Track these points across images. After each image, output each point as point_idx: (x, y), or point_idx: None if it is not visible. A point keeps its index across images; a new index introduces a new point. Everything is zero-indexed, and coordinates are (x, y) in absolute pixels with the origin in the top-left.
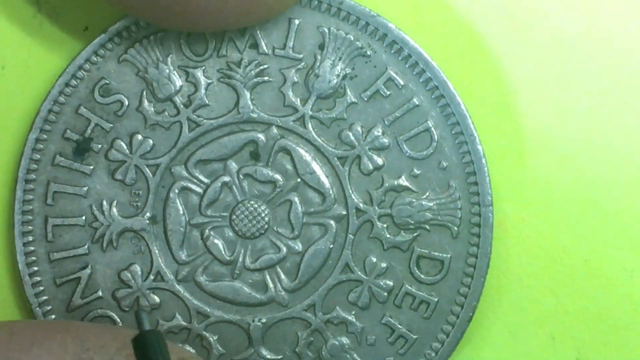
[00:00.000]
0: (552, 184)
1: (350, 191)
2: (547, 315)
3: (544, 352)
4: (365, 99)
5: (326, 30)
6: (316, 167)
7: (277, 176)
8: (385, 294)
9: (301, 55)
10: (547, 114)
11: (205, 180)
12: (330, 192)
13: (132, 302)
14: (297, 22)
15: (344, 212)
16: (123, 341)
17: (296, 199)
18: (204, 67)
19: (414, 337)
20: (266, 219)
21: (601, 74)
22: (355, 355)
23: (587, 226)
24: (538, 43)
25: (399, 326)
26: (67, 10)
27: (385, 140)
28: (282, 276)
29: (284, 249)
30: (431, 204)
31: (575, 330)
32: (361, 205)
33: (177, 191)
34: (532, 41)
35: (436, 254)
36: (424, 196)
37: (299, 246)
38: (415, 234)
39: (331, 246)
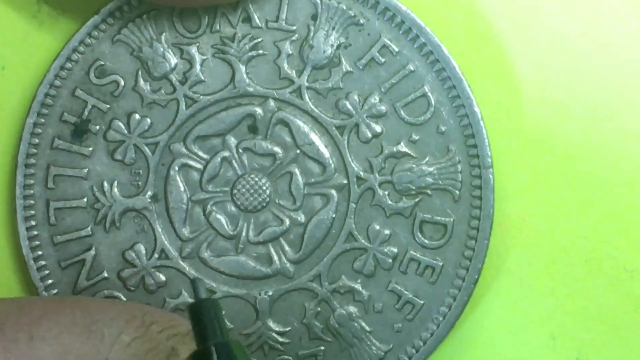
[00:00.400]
0: (552, 184)
1: (350, 160)
2: (547, 315)
3: (544, 352)
4: (361, 68)
5: (318, 0)
6: (315, 137)
7: (276, 149)
8: (390, 260)
9: (294, 27)
10: (547, 114)
11: (205, 156)
12: (330, 162)
13: (137, 281)
14: None
15: (345, 181)
16: (132, 314)
17: (296, 171)
18: (198, 44)
19: (421, 302)
20: (267, 191)
21: (601, 73)
22: (363, 324)
23: (587, 226)
24: (539, 27)
25: (406, 292)
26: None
27: (383, 108)
28: (287, 248)
29: (287, 221)
30: (431, 169)
31: (576, 330)
32: (361, 173)
33: (177, 168)
34: (529, 17)
35: (439, 218)
36: (424, 161)
37: (301, 217)
38: (417, 200)
39: (333, 216)
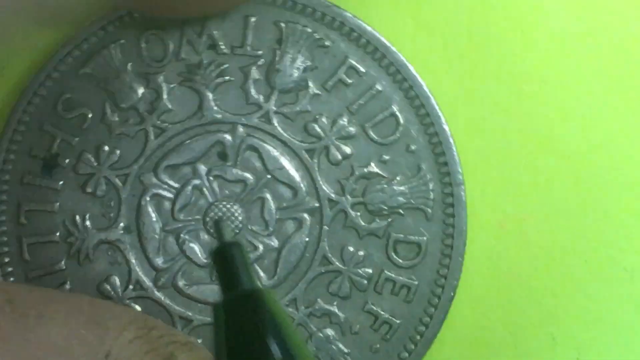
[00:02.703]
0: (552, 184)
1: (321, 182)
2: (547, 316)
3: (544, 352)
4: (328, 89)
5: (283, 24)
6: (285, 162)
7: (247, 174)
8: (365, 281)
9: (260, 52)
10: (547, 114)
11: (176, 185)
12: (301, 185)
13: None
14: (253, 19)
15: (317, 204)
16: (135, 316)
17: (268, 196)
18: (164, 72)
19: (398, 322)
20: (240, 218)
21: (602, 73)
22: (340, 346)
23: (587, 226)
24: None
25: (382, 312)
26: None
27: (352, 129)
28: (261, 274)
29: (261, 247)
30: (403, 188)
31: (576, 331)
32: (333, 195)
33: (148, 199)
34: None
35: (412, 237)
36: (395, 181)
37: (274, 242)
38: (390, 220)
39: (307, 239)
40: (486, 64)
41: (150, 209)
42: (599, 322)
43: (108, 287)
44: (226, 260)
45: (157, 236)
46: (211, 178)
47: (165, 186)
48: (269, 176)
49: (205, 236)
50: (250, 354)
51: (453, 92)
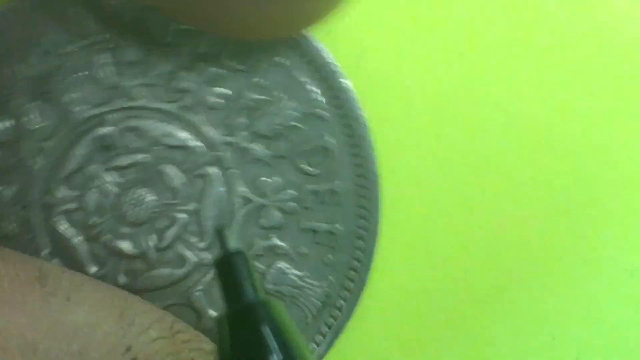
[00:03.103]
0: (552, 184)
1: (209, 131)
2: (547, 316)
3: (544, 352)
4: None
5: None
6: (167, 127)
7: (138, 155)
8: (292, 203)
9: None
10: (547, 113)
11: (77, 194)
12: (192, 142)
13: None
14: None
15: (215, 153)
16: (163, 317)
17: (166, 166)
18: (14, 99)
19: (338, 227)
20: (151, 198)
21: (602, 73)
22: (295, 272)
23: (587, 227)
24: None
25: (319, 225)
26: None
27: (220, 70)
28: (192, 240)
29: (181, 215)
30: (291, 104)
31: (576, 331)
32: (226, 138)
33: (57, 218)
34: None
35: (315, 143)
36: (278, 99)
37: (192, 205)
38: (288, 136)
39: (221, 189)
40: (486, 63)
41: (64, 227)
42: (599, 322)
43: None
44: (229, 270)
45: (83, 247)
46: (107, 173)
47: (68, 199)
48: (158, 147)
49: (127, 229)
50: None
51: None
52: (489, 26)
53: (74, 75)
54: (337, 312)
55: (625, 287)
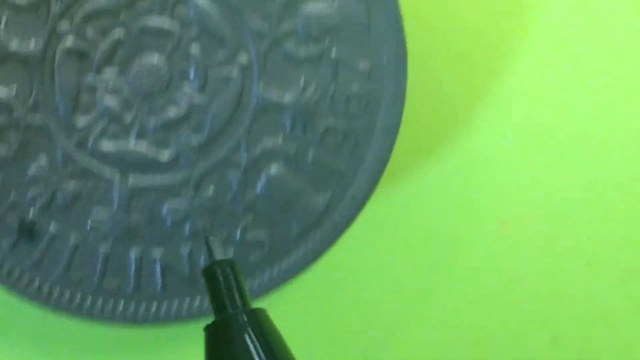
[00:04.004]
0: (552, 184)
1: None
2: (549, 316)
3: (546, 352)
4: None
5: None
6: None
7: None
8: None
9: None
10: (547, 113)
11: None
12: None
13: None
14: None
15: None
16: None
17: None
18: None
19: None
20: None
21: (601, 72)
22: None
23: (588, 227)
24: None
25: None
26: None
27: None
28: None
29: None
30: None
31: (577, 331)
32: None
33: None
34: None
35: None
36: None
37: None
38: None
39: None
40: (487, 62)
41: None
42: (600, 322)
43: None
44: (217, 280)
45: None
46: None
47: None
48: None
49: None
50: None
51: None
52: None
53: None
54: None
55: (626, 288)
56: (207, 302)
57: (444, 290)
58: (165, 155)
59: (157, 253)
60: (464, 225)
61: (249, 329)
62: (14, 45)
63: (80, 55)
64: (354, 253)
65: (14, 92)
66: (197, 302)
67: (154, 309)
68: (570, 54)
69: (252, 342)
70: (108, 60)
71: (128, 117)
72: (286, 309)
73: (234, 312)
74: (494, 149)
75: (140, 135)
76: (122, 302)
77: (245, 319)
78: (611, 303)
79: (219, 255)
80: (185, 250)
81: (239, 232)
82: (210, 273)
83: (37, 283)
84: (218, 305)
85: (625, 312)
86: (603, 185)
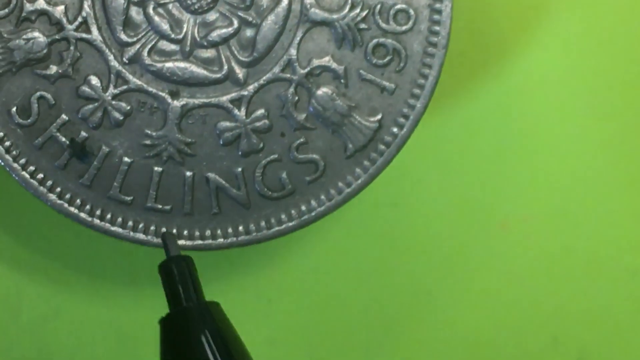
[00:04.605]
0: (552, 184)
1: None
2: (549, 316)
3: (546, 352)
4: None
5: None
6: None
7: None
8: (365, 12)
9: None
10: (547, 113)
11: None
12: None
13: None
14: None
15: None
16: None
17: None
18: None
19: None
20: None
21: (602, 72)
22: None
23: (588, 227)
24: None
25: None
26: None
27: None
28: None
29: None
30: None
31: (577, 331)
32: None
33: None
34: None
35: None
36: None
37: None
38: None
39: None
40: (486, 62)
41: None
42: (600, 323)
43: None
44: (172, 275)
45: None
46: None
47: None
48: None
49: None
50: None
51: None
52: None
53: None
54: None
55: (626, 288)
56: (263, 226)
57: (444, 290)
58: (216, 73)
59: (210, 174)
60: (464, 226)
61: (203, 322)
62: None
63: None
64: (352, 253)
65: (64, 8)
66: (253, 227)
67: (208, 232)
68: (571, 53)
69: (205, 334)
70: None
71: (178, 34)
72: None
73: (188, 305)
74: (494, 148)
75: (191, 52)
76: (175, 226)
77: (200, 312)
78: (611, 303)
79: (174, 251)
80: (238, 171)
81: (291, 151)
82: (166, 268)
83: (89, 205)
84: (174, 299)
85: (625, 312)
86: (603, 185)
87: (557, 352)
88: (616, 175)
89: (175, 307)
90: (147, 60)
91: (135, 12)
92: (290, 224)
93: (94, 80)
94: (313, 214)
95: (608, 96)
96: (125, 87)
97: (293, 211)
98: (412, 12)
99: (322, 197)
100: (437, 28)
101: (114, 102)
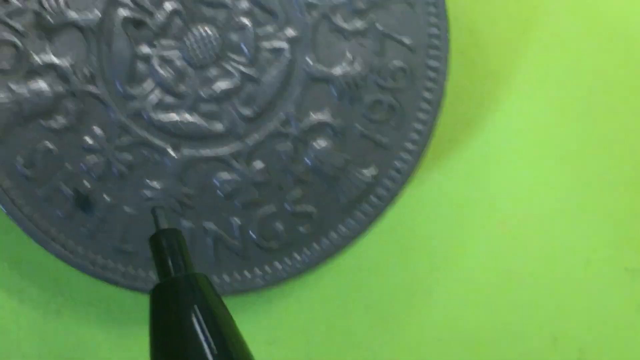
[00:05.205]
0: (552, 183)
1: None
2: (548, 316)
3: (545, 352)
4: None
5: None
6: None
7: None
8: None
9: None
10: (547, 113)
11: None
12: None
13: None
14: None
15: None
16: None
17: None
18: None
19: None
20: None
21: (602, 72)
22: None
23: (588, 227)
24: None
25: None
26: None
27: None
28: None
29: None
30: None
31: (577, 331)
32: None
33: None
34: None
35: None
36: None
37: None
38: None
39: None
40: (486, 63)
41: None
42: (600, 322)
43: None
44: (161, 247)
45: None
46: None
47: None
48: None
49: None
50: (177, 336)
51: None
52: None
53: None
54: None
55: (626, 288)
56: (259, 274)
57: (444, 290)
58: (217, 127)
59: (209, 224)
60: (464, 226)
61: (192, 292)
62: (73, 14)
63: (136, 25)
64: (351, 253)
65: (71, 61)
66: (249, 276)
67: None
68: (571, 53)
69: (193, 304)
70: (164, 30)
71: (182, 88)
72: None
73: (176, 275)
74: (494, 149)
75: (194, 106)
76: None
77: (188, 282)
78: (611, 303)
79: (163, 224)
80: (236, 222)
81: (288, 204)
82: (156, 241)
83: (91, 254)
84: (163, 270)
85: (625, 312)
86: (602, 185)
87: (557, 351)
88: (616, 176)
89: (164, 278)
90: (151, 114)
91: (140, 66)
92: (285, 273)
93: (98, 133)
94: (307, 262)
95: (607, 96)
96: (128, 139)
97: (288, 261)
98: (408, 70)
99: (316, 246)
100: (432, 85)
101: (117, 154)
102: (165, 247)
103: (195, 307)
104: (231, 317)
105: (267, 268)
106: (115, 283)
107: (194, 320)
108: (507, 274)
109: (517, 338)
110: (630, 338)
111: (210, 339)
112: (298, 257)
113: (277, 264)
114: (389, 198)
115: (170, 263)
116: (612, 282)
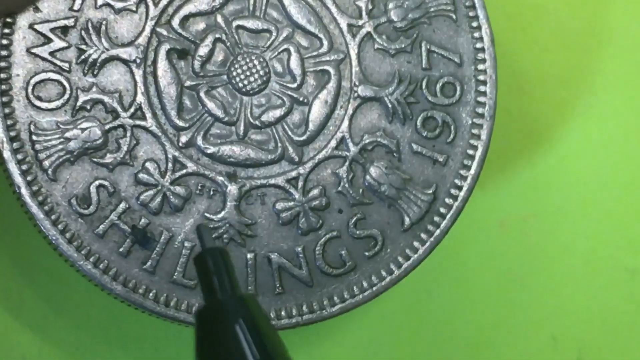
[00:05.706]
0: (552, 183)
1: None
2: (548, 316)
3: (545, 352)
4: None
5: None
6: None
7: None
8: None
9: None
10: (547, 113)
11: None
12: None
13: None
14: None
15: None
16: None
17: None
18: None
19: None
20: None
21: (602, 72)
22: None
23: (588, 226)
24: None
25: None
26: None
27: None
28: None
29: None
30: None
31: (577, 331)
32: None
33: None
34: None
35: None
36: None
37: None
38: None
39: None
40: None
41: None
42: (600, 322)
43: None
44: (207, 267)
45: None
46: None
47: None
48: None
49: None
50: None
51: None
52: None
53: None
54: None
55: (626, 287)
56: (324, 302)
57: (445, 290)
58: (271, 153)
59: (271, 253)
60: (464, 225)
61: (238, 314)
62: (115, 47)
63: (180, 55)
64: None
65: (119, 96)
66: (315, 305)
67: (272, 314)
68: (571, 52)
69: (241, 327)
70: (209, 60)
71: (232, 117)
72: None
73: (223, 297)
74: (495, 150)
75: (245, 133)
76: None
77: (234, 304)
78: (611, 303)
79: (209, 243)
80: (298, 248)
81: (349, 227)
82: (201, 260)
83: (154, 291)
84: (208, 291)
85: (625, 312)
86: (602, 185)
87: (556, 351)
88: (616, 175)
89: (210, 300)
90: (203, 144)
91: (188, 97)
92: (353, 300)
93: (152, 167)
94: (374, 289)
95: (607, 96)
96: (182, 171)
97: (355, 287)
98: (457, 84)
99: (383, 272)
100: (483, 99)
101: (172, 187)
102: (211, 267)
103: (243, 328)
104: (281, 340)
105: (335, 297)
106: (178, 320)
107: (242, 342)
108: (506, 274)
109: (516, 338)
110: (630, 338)
111: None
112: (365, 284)
113: (344, 291)
114: (451, 216)
115: (216, 284)
116: (611, 282)
